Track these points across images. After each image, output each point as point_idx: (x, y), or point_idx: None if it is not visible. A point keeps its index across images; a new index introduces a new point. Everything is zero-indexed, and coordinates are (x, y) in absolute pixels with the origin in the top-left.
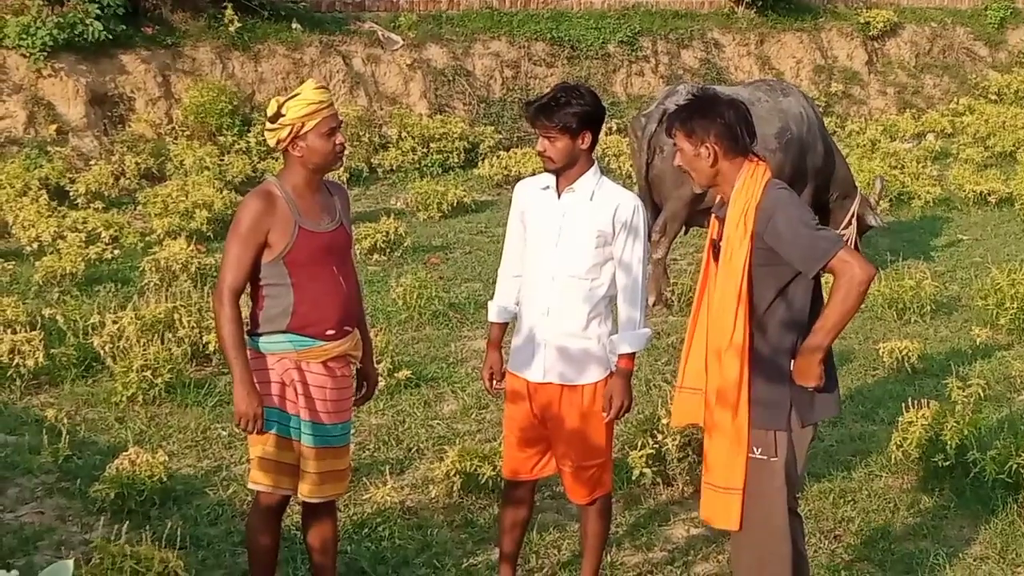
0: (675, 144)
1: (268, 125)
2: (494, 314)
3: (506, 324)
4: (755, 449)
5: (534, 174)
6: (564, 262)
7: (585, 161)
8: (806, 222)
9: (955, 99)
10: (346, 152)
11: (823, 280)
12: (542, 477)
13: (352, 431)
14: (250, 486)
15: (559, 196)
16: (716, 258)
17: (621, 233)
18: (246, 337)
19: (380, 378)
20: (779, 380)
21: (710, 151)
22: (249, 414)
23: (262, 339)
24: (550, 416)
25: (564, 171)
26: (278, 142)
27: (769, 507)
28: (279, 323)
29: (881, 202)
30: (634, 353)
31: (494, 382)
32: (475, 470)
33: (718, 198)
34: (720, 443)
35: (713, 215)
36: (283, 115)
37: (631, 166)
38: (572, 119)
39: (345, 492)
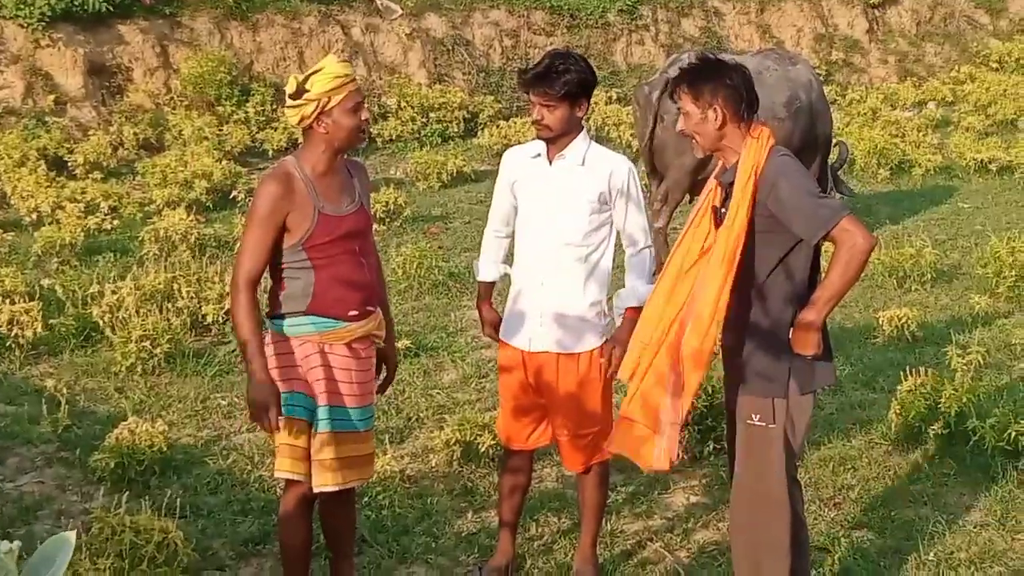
0: (679, 109)
1: (290, 102)
2: (483, 272)
3: (494, 283)
4: (753, 416)
5: None
6: (558, 229)
7: (577, 127)
8: (809, 189)
9: (956, 67)
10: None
11: (822, 251)
12: (536, 447)
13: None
14: (277, 475)
15: (550, 163)
16: (719, 225)
17: (619, 200)
18: (269, 320)
19: None
20: (778, 348)
21: (718, 113)
22: (262, 405)
23: (284, 322)
24: (546, 384)
25: (559, 139)
26: (302, 119)
27: (767, 473)
28: (300, 304)
29: (844, 168)
30: (639, 308)
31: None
32: (474, 439)
33: (719, 164)
34: (683, 399)
35: (714, 180)
36: (307, 91)
37: (631, 135)
38: (573, 86)
39: (370, 477)
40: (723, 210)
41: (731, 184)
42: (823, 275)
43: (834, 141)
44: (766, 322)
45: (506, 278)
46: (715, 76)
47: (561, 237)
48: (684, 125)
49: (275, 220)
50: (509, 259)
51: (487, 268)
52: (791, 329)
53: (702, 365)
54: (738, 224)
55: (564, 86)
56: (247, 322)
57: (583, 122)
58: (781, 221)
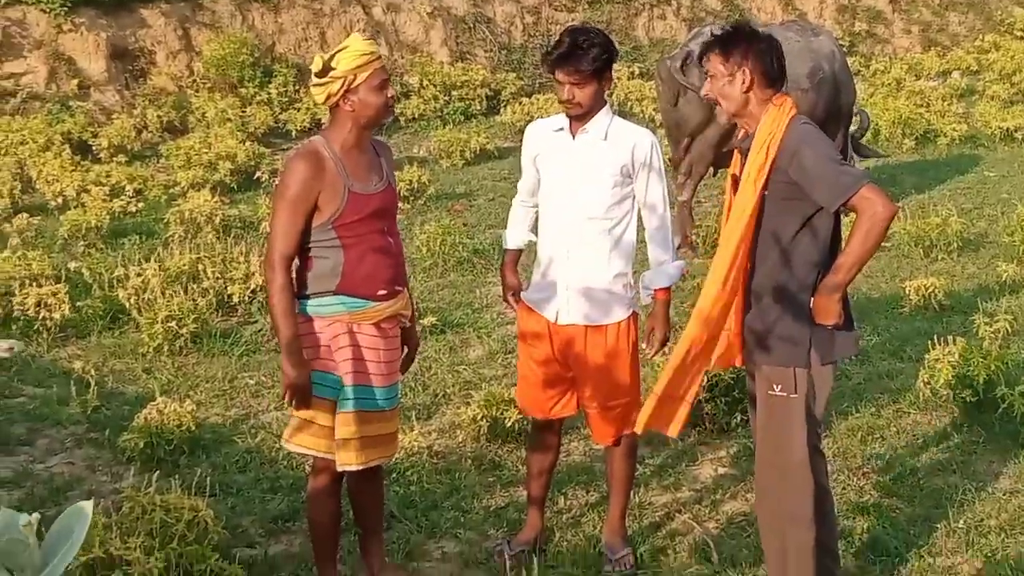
0: (706, 73)
1: (316, 80)
2: (509, 241)
3: (521, 251)
4: (775, 386)
5: None
6: (583, 203)
7: (602, 102)
8: (831, 157)
9: (980, 36)
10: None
11: (843, 220)
12: (560, 417)
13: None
14: (291, 447)
15: (573, 137)
16: (737, 191)
17: (642, 172)
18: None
19: None
20: (799, 318)
21: (746, 76)
22: (296, 385)
23: (311, 302)
24: (573, 357)
25: (588, 115)
26: (328, 97)
27: (789, 443)
28: (328, 284)
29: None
30: (670, 286)
31: (512, 299)
32: (501, 414)
33: (742, 133)
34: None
35: (736, 150)
36: (333, 68)
37: (654, 110)
38: (601, 62)
39: (395, 455)
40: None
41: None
42: (844, 244)
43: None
44: (787, 291)
45: (531, 248)
46: (747, 40)
47: (584, 211)
48: (710, 88)
49: (307, 199)
50: (535, 229)
51: (514, 235)
52: (812, 298)
53: (705, 323)
54: (751, 184)
55: (593, 62)
56: (284, 302)
57: (606, 96)
58: (802, 188)
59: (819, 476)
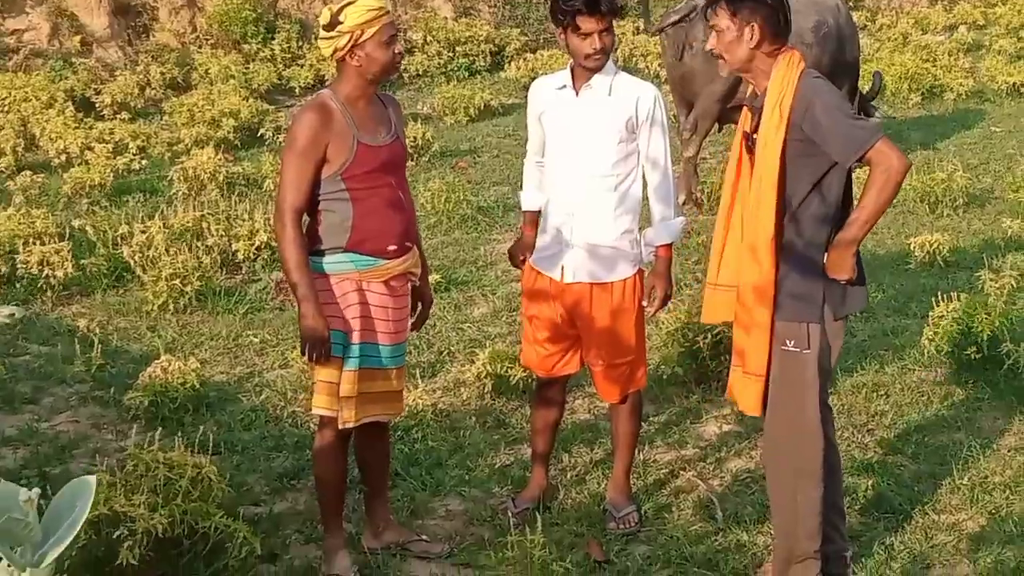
0: (712, 26)
1: (323, 34)
2: (526, 202)
3: (539, 211)
4: (787, 342)
5: None
6: (588, 160)
7: None
8: (844, 110)
9: None
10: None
11: (854, 176)
12: (563, 375)
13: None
14: (314, 411)
15: (577, 94)
16: (751, 151)
17: (645, 126)
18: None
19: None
20: (812, 273)
21: (755, 32)
22: (316, 338)
23: (325, 259)
24: (580, 315)
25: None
26: (335, 51)
27: (802, 399)
28: (339, 239)
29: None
30: (671, 243)
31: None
32: (506, 372)
33: (750, 90)
34: (756, 335)
35: (745, 107)
36: (341, 22)
37: (660, 65)
38: (618, 5)
39: (400, 413)
40: (754, 136)
41: (762, 109)
42: (856, 199)
43: (871, 70)
44: (799, 247)
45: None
46: None
47: (590, 168)
48: (715, 43)
49: (316, 150)
50: None
51: (530, 197)
52: (825, 253)
53: (766, 298)
54: (771, 148)
55: (615, 5)
56: (296, 255)
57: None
58: (815, 143)
59: (828, 430)
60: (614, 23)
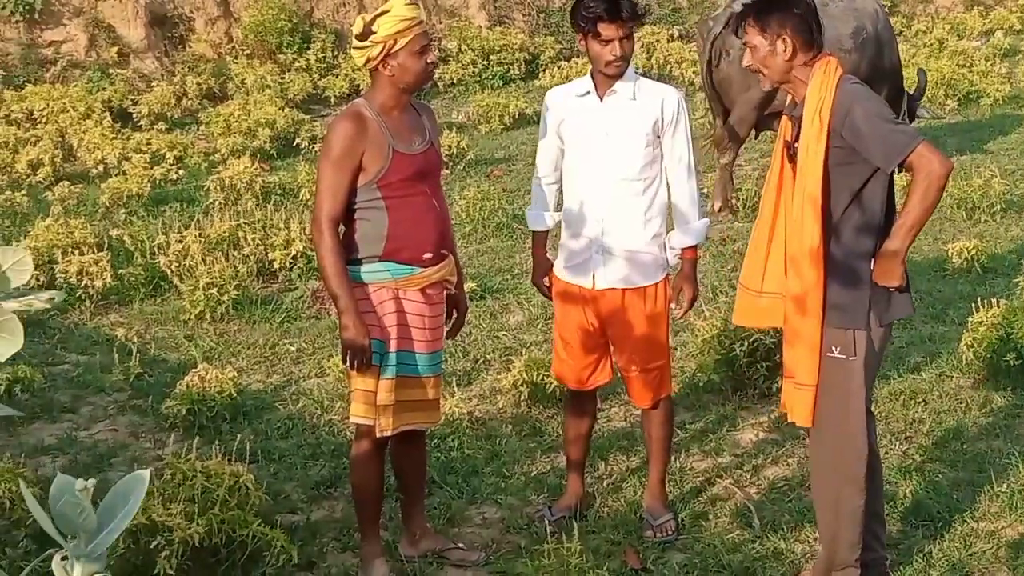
0: (745, 43)
1: (356, 43)
2: (535, 223)
3: (548, 231)
4: (833, 348)
5: None
6: (616, 165)
7: None
8: (884, 116)
9: None
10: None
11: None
12: (596, 386)
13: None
14: (352, 420)
15: (601, 100)
16: (792, 160)
17: (669, 128)
18: None
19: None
20: (858, 281)
21: (787, 44)
22: (357, 345)
23: (362, 268)
24: (613, 321)
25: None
26: (368, 60)
27: (847, 406)
28: (374, 248)
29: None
30: (696, 245)
31: (543, 281)
32: (542, 380)
33: (789, 98)
34: (801, 347)
35: (785, 116)
36: (374, 32)
37: (695, 72)
38: (639, 11)
39: (437, 422)
40: (796, 144)
41: (801, 118)
42: (899, 205)
43: (911, 75)
44: (844, 254)
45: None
46: (782, 6)
47: (618, 173)
48: (751, 60)
49: (351, 158)
50: (558, 207)
51: (539, 218)
52: (872, 260)
53: (810, 311)
54: (813, 157)
55: (636, 11)
56: (335, 263)
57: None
58: (856, 150)
59: (870, 436)
60: (634, 30)
